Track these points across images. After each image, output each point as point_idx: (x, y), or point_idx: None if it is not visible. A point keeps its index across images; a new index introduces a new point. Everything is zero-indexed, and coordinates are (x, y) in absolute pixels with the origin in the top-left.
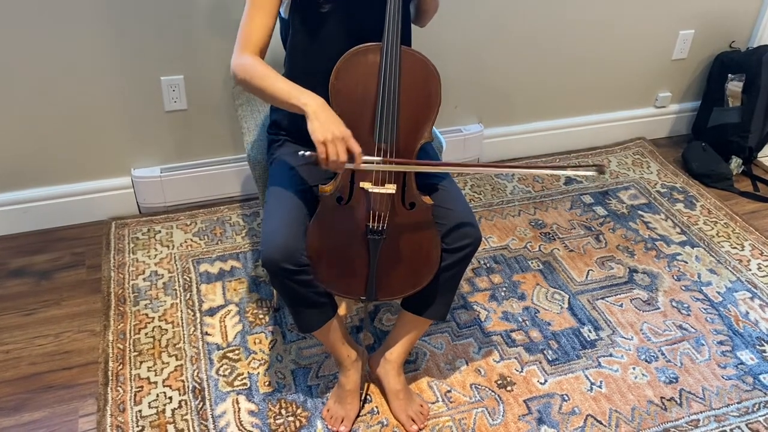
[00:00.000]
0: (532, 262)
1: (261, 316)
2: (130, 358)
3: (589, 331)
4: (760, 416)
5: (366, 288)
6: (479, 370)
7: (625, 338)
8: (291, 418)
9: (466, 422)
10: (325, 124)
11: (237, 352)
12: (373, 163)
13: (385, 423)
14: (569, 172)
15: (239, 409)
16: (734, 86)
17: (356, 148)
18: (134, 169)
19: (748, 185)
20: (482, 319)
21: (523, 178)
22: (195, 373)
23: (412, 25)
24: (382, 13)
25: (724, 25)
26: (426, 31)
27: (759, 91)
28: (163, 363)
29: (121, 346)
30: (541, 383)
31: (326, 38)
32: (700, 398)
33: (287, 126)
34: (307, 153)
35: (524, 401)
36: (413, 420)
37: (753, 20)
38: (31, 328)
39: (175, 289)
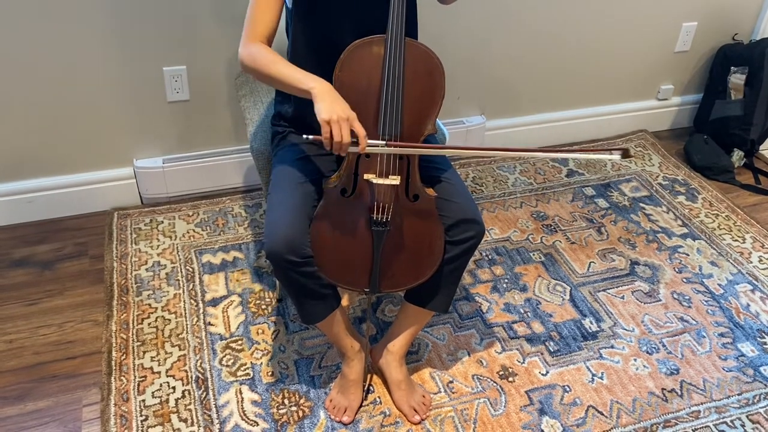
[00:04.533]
0: (533, 254)
1: (264, 307)
2: (133, 348)
3: (591, 323)
4: (760, 407)
5: (369, 280)
6: (481, 361)
7: (626, 330)
8: (294, 408)
9: (468, 413)
10: (330, 105)
11: (240, 342)
12: (377, 146)
13: (388, 413)
14: (592, 156)
15: (242, 399)
16: (737, 79)
17: (360, 131)
18: (137, 160)
19: (749, 178)
20: (484, 311)
21: (525, 170)
22: (198, 363)
23: (418, 17)
24: (386, 4)
25: (727, 17)
26: (429, 22)
27: (761, 83)
28: (166, 353)
29: (125, 336)
30: (542, 374)
31: (330, 29)
32: (701, 390)
33: (291, 117)
34: (311, 137)
35: (526, 392)
36: (415, 410)
37: (756, 13)
38: (35, 318)
39: (178, 280)
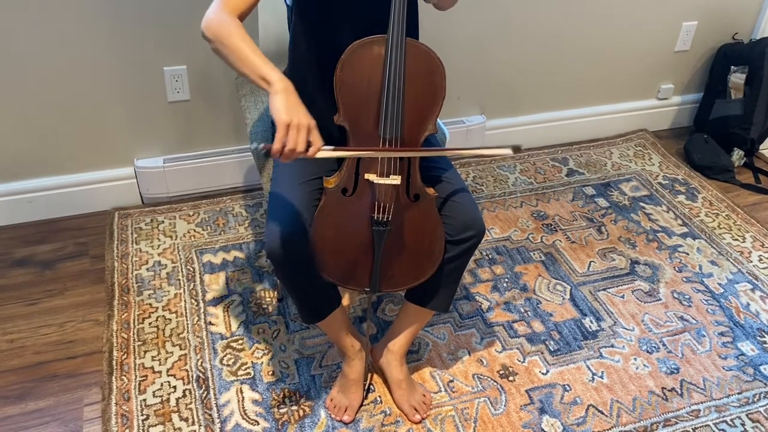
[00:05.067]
0: (534, 254)
1: (264, 306)
2: (134, 347)
3: (591, 322)
4: (760, 406)
5: (370, 280)
6: (481, 361)
7: (626, 329)
8: (294, 407)
9: (468, 412)
10: (292, 108)
11: (241, 341)
12: (326, 152)
13: (388, 412)
14: (485, 152)
15: (243, 398)
16: (737, 78)
17: (318, 142)
18: (137, 160)
19: (749, 177)
20: (484, 310)
21: (525, 169)
22: (199, 363)
23: (418, 16)
24: (387, 4)
25: (727, 16)
26: (430, 22)
27: (761, 83)
28: (167, 352)
29: (125, 336)
30: (542, 373)
31: (330, 28)
32: (701, 389)
33: None
34: (261, 146)
35: (526, 391)
36: (416, 409)
37: (756, 12)
38: (36, 318)
39: (179, 279)
